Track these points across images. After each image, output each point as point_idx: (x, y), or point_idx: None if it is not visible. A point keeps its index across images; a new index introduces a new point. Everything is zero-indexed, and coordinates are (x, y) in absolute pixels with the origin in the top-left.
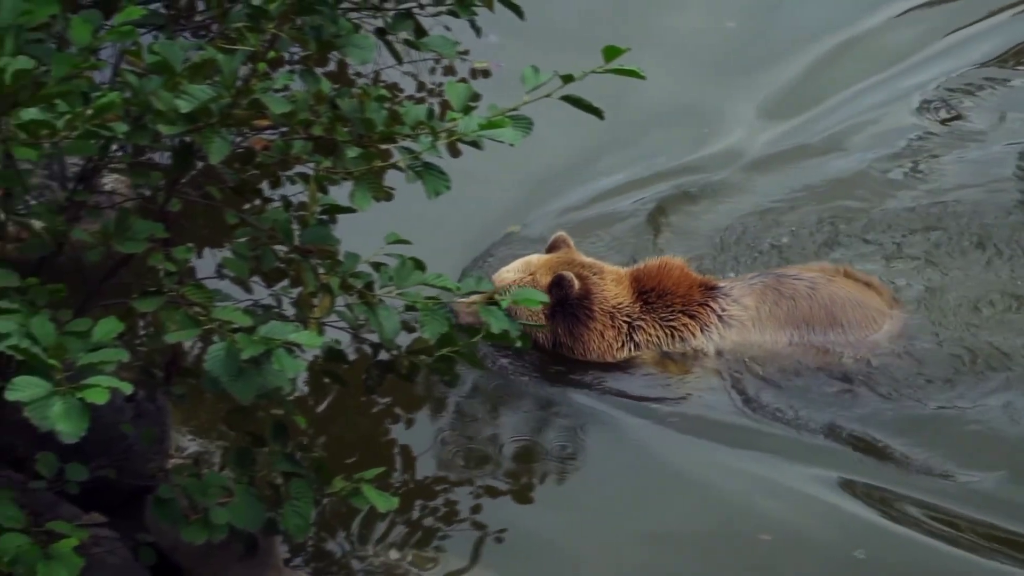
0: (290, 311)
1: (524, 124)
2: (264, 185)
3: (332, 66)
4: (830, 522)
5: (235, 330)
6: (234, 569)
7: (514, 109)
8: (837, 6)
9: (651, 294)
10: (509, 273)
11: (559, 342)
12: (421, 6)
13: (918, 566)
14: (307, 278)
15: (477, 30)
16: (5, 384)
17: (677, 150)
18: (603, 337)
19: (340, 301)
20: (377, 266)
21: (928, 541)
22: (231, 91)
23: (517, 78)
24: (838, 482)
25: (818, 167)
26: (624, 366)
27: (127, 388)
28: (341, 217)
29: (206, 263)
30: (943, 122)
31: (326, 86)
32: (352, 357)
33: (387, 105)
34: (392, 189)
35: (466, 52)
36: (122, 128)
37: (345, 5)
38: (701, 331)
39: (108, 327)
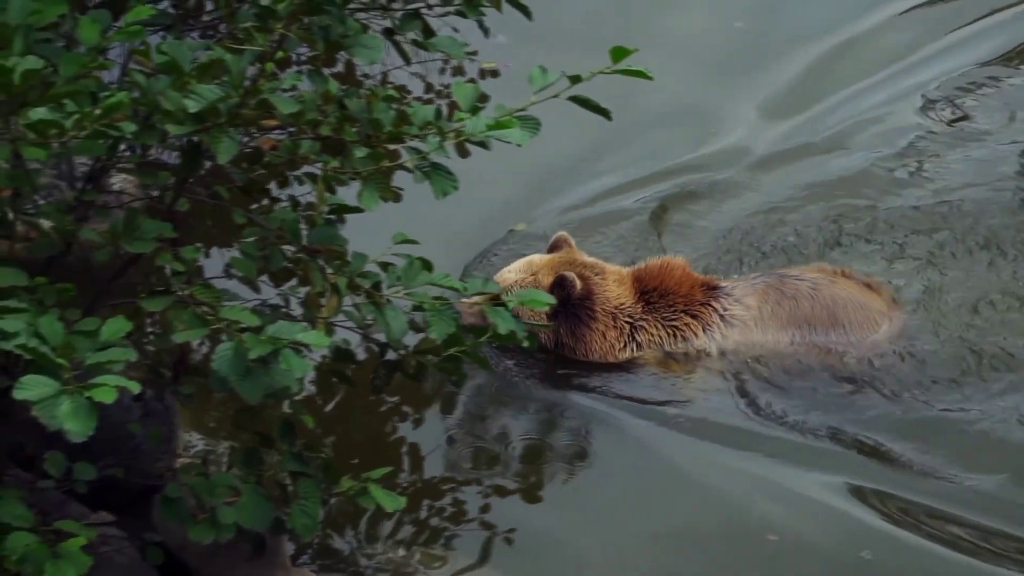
0: (298, 311)
1: (532, 124)
2: (272, 185)
3: (340, 67)
4: (836, 522)
5: (243, 330)
6: (241, 568)
7: (522, 110)
8: (840, 5)
9: (653, 294)
10: (511, 273)
11: (561, 342)
12: (429, 6)
13: (924, 570)
14: (315, 278)
15: (485, 30)
16: (13, 383)
17: (681, 149)
18: (605, 338)
19: (348, 301)
20: (385, 266)
21: (933, 545)
22: (239, 91)
23: (525, 78)
24: (843, 483)
25: (822, 166)
26: (627, 366)
27: (135, 387)
28: (348, 216)
29: (214, 263)
30: (948, 122)
31: (334, 86)
32: (360, 357)
33: (395, 106)
34: (400, 189)
35: (474, 53)
36: (130, 128)
37: (353, 5)
38: (703, 331)
39: (116, 326)
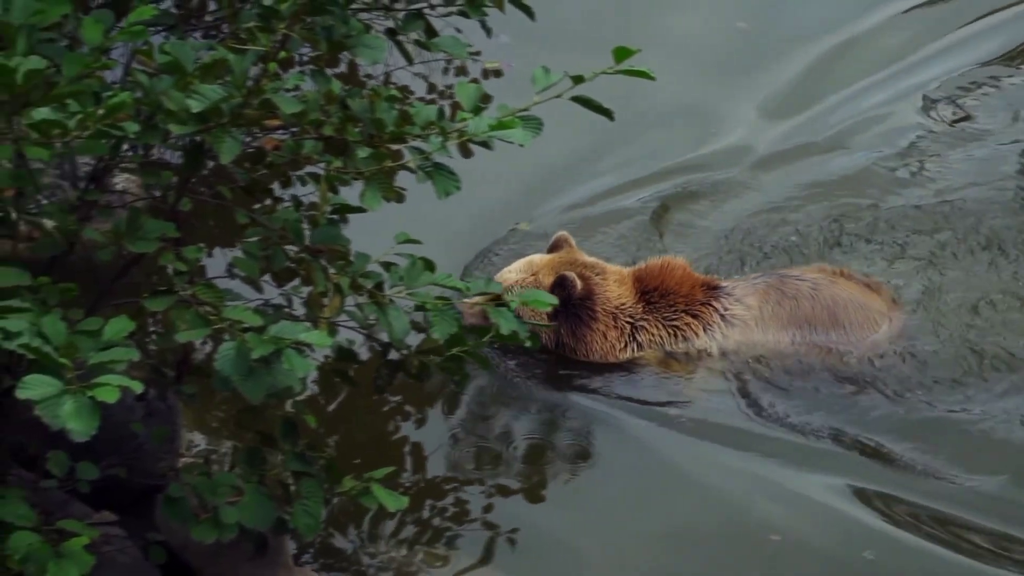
0: (300, 311)
1: (534, 124)
2: (275, 185)
3: (343, 67)
4: (838, 523)
5: (245, 329)
6: (244, 568)
7: (524, 110)
8: (841, 4)
9: (654, 294)
10: (511, 274)
11: (561, 342)
12: (432, 7)
13: (925, 571)
14: (317, 278)
15: (488, 30)
16: (16, 383)
17: (682, 149)
18: (606, 338)
19: (350, 301)
20: (387, 266)
21: (934, 547)
22: (242, 91)
23: (528, 78)
24: (844, 484)
25: (823, 166)
26: (628, 366)
27: (138, 387)
28: (350, 216)
29: (217, 263)
30: (949, 122)
31: (337, 86)
32: (362, 357)
33: (397, 106)
34: (404, 190)
35: (477, 53)
36: (133, 128)
37: (356, 5)
38: (704, 330)
39: (119, 326)
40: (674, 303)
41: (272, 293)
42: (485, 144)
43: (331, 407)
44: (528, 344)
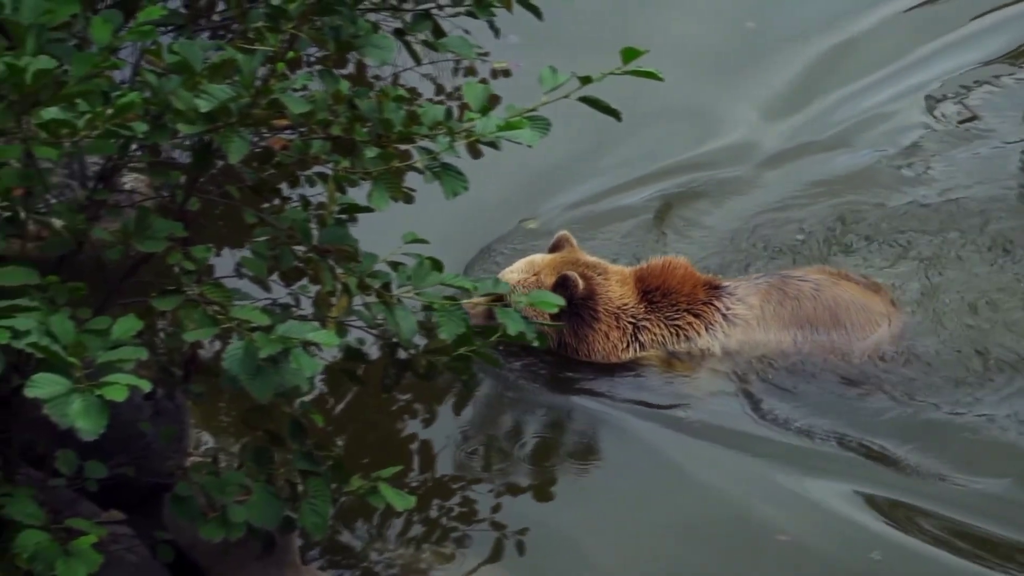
0: (308, 310)
1: (542, 125)
2: (283, 185)
3: (351, 68)
4: (843, 524)
5: (253, 329)
6: (252, 567)
7: (532, 110)
8: (844, 3)
9: (655, 293)
10: (513, 274)
11: (564, 342)
12: (440, 7)
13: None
14: (325, 277)
15: (496, 31)
16: (25, 381)
17: (686, 147)
18: (608, 338)
19: (358, 300)
20: (395, 265)
21: (939, 551)
22: (250, 91)
23: (536, 78)
24: (849, 484)
25: (828, 164)
26: (631, 366)
27: (146, 386)
28: (357, 215)
29: (225, 262)
30: (956, 122)
31: (345, 86)
32: (370, 356)
33: (405, 106)
34: (413, 191)
35: (486, 53)
36: (142, 127)
37: (364, 6)
38: (706, 330)
39: (127, 325)
40: (676, 302)
41: (280, 293)
42: (493, 144)
43: (339, 406)
44: (535, 344)
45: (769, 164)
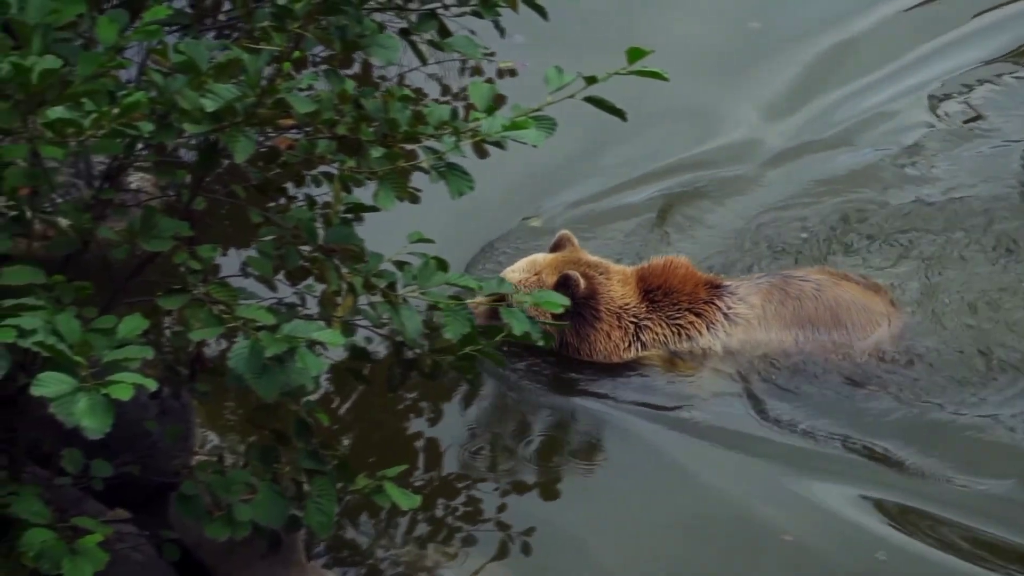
0: (314, 309)
1: (547, 125)
2: (288, 184)
3: (357, 69)
4: (849, 524)
5: (259, 328)
6: (257, 565)
7: (537, 110)
8: (847, 1)
9: (657, 293)
10: (514, 273)
11: (565, 342)
12: (445, 7)
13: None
14: (331, 277)
15: (501, 31)
16: (31, 380)
17: (689, 146)
18: (610, 337)
19: (363, 300)
20: (400, 265)
21: (944, 554)
22: (256, 90)
23: (541, 78)
24: (854, 485)
25: (831, 163)
26: (634, 366)
27: (152, 385)
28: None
29: (231, 261)
30: (959, 121)
31: (350, 85)
32: (376, 355)
33: (411, 106)
34: (419, 191)
35: (492, 53)
36: (148, 127)
37: (369, 5)
38: (707, 329)
39: (133, 324)
40: (677, 302)
41: (286, 292)
42: (499, 144)
43: (345, 405)
44: (541, 343)
45: (772, 163)
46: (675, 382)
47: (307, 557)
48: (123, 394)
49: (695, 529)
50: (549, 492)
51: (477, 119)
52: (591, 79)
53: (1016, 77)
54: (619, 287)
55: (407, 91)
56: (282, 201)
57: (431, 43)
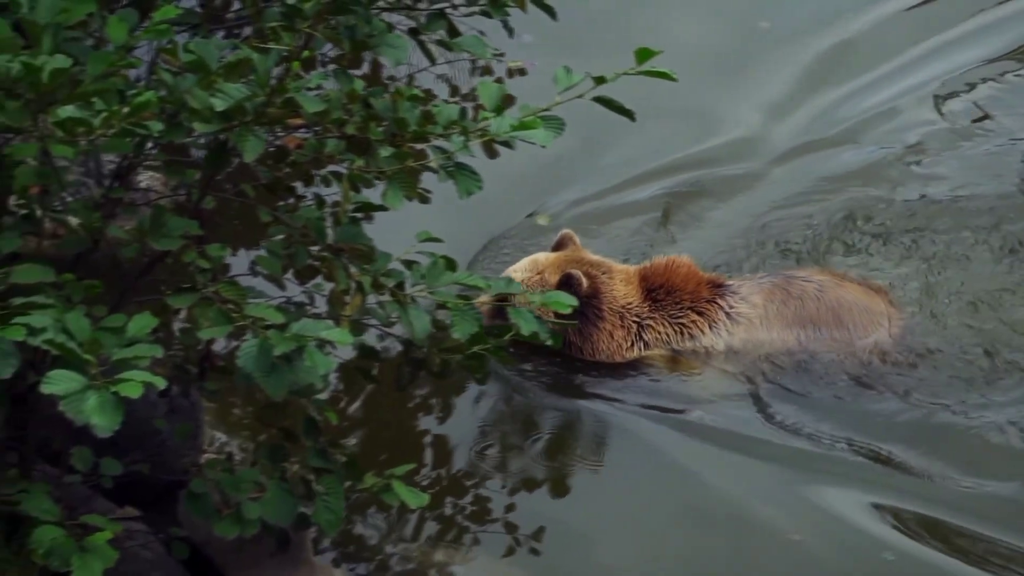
0: (322, 308)
1: (556, 124)
2: (297, 183)
3: (366, 69)
4: (856, 524)
5: (268, 327)
6: (266, 563)
7: (545, 110)
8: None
9: (659, 292)
10: (516, 273)
11: (568, 342)
12: (454, 6)
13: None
14: (339, 276)
15: (510, 31)
16: (41, 378)
17: (692, 145)
18: (612, 337)
19: (372, 299)
20: (409, 264)
21: (949, 556)
22: (265, 90)
23: (550, 78)
24: (857, 487)
25: (836, 161)
26: (638, 367)
27: (161, 383)
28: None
29: (240, 260)
30: (965, 120)
31: (359, 85)
32: (385, 354)
33: (420, 106)
34: (429, 192)
35: (502, 53)
36: (157, 126)
37: (379, 5)
38: (710, 328)
39: (142, 323)
40: (680, 301)
41: (294, 291)
42: (507, 144)
43: (353, 404)
44: (549, 343)
45: (777, 161)
46: (679, 384)
47: (315, 554)
48: (132, 392)
49: (701, 529)
50: (557, 491)
51: (486, 119)
52: (600, 79)
53: (1019, 75)
54: (622, 286)
55: (416, 91)
56: (291, 200)
57: (440, 43)
